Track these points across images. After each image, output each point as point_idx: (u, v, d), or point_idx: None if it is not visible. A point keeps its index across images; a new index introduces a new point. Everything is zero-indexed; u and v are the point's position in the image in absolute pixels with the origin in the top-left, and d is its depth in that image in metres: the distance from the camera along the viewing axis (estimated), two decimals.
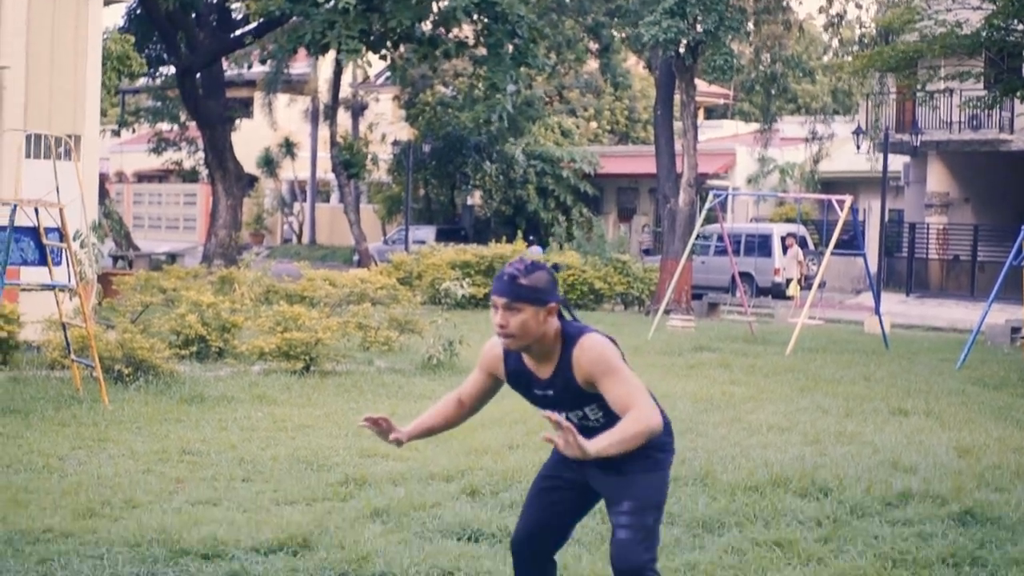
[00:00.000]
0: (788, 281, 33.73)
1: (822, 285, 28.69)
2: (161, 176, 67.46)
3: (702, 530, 8.75)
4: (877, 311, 26.39)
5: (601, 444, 5.27)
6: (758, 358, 20.75)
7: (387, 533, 8.41)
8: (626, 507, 5.54)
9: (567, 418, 5.53)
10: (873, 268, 32.30)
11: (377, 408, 13.99)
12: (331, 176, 53.09)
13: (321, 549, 7.94)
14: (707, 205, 26.14)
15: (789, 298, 32.47)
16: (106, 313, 20.52)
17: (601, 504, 5.82)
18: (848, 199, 24.43)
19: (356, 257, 45.55)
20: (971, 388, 17.34)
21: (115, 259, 33.75)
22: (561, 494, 5.79)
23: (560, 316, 5.54)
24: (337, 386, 15.54)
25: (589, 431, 5.51)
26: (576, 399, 5.51)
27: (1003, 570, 7.82)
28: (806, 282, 32.91)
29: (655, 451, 5.61)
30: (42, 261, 14.75)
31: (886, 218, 38.53)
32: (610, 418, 5.48)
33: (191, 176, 56.30)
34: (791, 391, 16.48)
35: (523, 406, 13.12)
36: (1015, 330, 25.47)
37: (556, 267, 5.62)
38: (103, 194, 34.83)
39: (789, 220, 43.43)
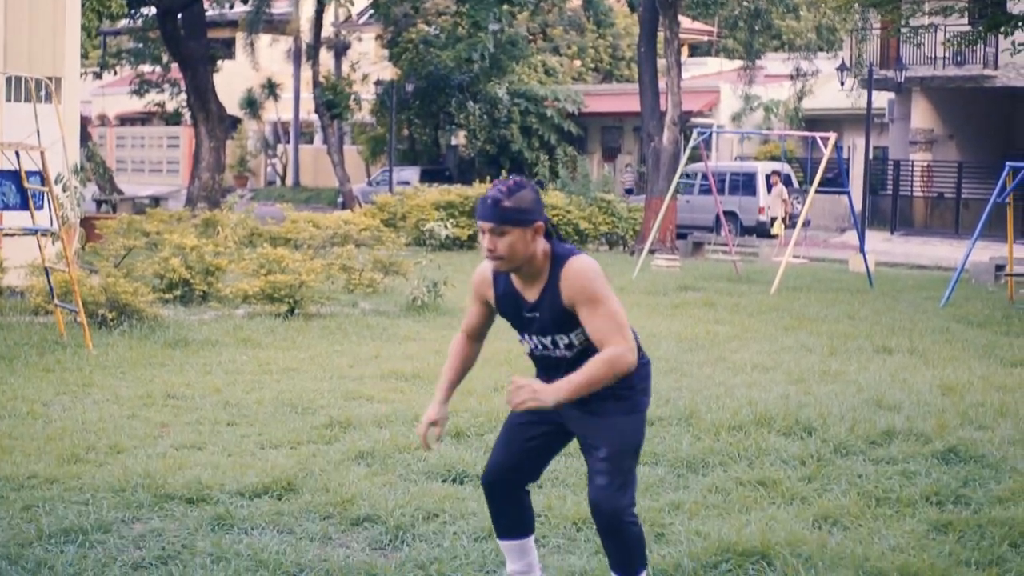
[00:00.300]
0: (773, 220, 33.76)
1: (806, 223, 28.74)
2: (144, 119, 67.16)
3: (686, 470, 8.77)
4: (862, 249, 26.39)
5: (562, 392, 5.29)
6: (742, 297, 20.77)
7: (372, 475, 8.42)
8: (603, 452, 5.53)
9: (552, 343, 5.53)
10: (857, 206, 32.31)
11: (362, 350, 14.00)
12: (314, 117, 52.94)
13: (306, 492, 7.94)
14: (691, 143, 26.09)
15: (774, 237, 32.53)
16: (89, 257, 20.47)
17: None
18: (832, 136, 24.39)
19: (340, 199, 45.45)
20: (955, 326, 17.37)
21: (98, 203, 33.64)
22: (536, 431, 5.76)
23: (548, 236, 5.52)
24: (322, 329, 15.53)
25: (571, 362, 5.51)
26: (561, 323, 5.47)
27: (987, 508, 7.84)
28: (790, 220, 32.93)
29: (633, 393, 5.59)
30: (23, 205, 14.67)
31: (870, 156, 38.54)
32: (594, 347, 5.46)
33: (174, 119, 55.99)
34: (775, 330, 16.51)
35: (508, 347, 13.12)
36: (999, 268, 25.49)
37: (540, 183, 5.58)
38: (85, 137, 34.69)
39: (773, 158, 43.38)
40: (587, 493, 5.62)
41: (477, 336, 5.90)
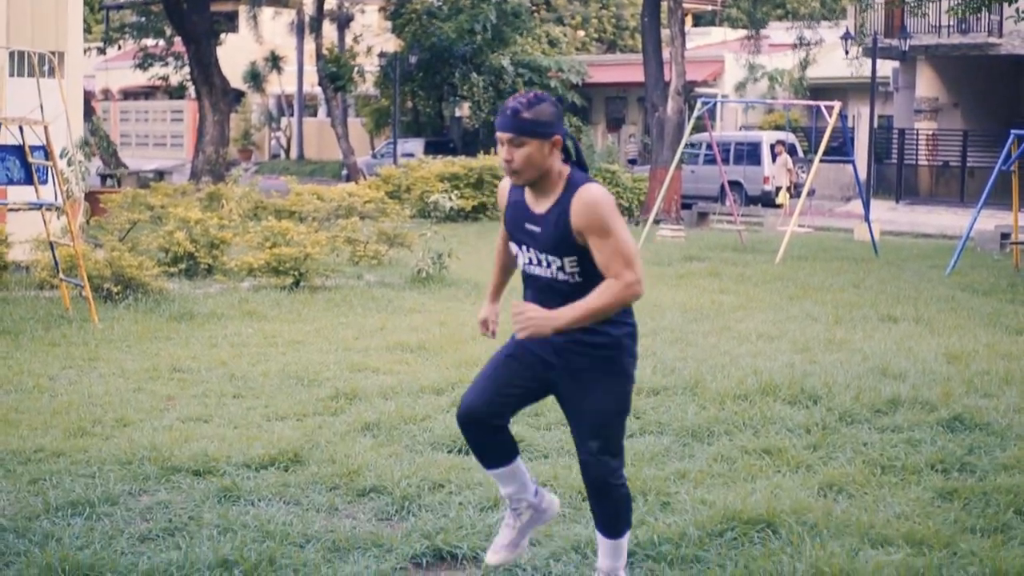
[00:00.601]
0: (777, 189, 33.68)
1: (811, 193, 28.67)
2: (148, 93, 67.06)
3: (691, 439, 8.78)
4: (866, 218, 26.38)
5: (563, 320, 5.28)
6: (747, 267, 20.76)
7: (378, 447, 8.44)
8: (591, 418, 5.54)
9: (543, 261, 5.49)
10: (862, 175, 32.25)
11: (367, 322, 14.01)
12: (318, 90, 52.86)
13: (312, 463, 7.96)
14: (695, 113, 26.03)
15: (778, 206, 32.45)
16: (94, 232, 20.48)
17: None
18: (836, 105, 24.33)
19: (344, 171, 45.41)
20: (960, 294, 17.36)
21: (103, 177, 33.61)
22: (518, 384, 5.69)
23: (567, 159, 5.51)
24: (327, 301, 15.54)
25: (557, 292, 5.48)
26: (560, 244, 5.41)
27: (992, 475, 7.85)
28: (795, 190, 32.87)
29: (622, 356, 5.56)
30: (28, 180, 14.67)
31: (875, 124, 38.40)
32: (585, 278, 5.43)
33: (178, 92, 55.87)
34: (780, 299, 16.51)
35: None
36: (1004, 236, 25.47)
37: (560, 100, 5.56)
38: (89, 112, 34.62)
39: (778, 127, 43.28)
40: (578, 458, 5.63)
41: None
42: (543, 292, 5.55)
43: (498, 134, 5.44)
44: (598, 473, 5.53)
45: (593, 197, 5.35)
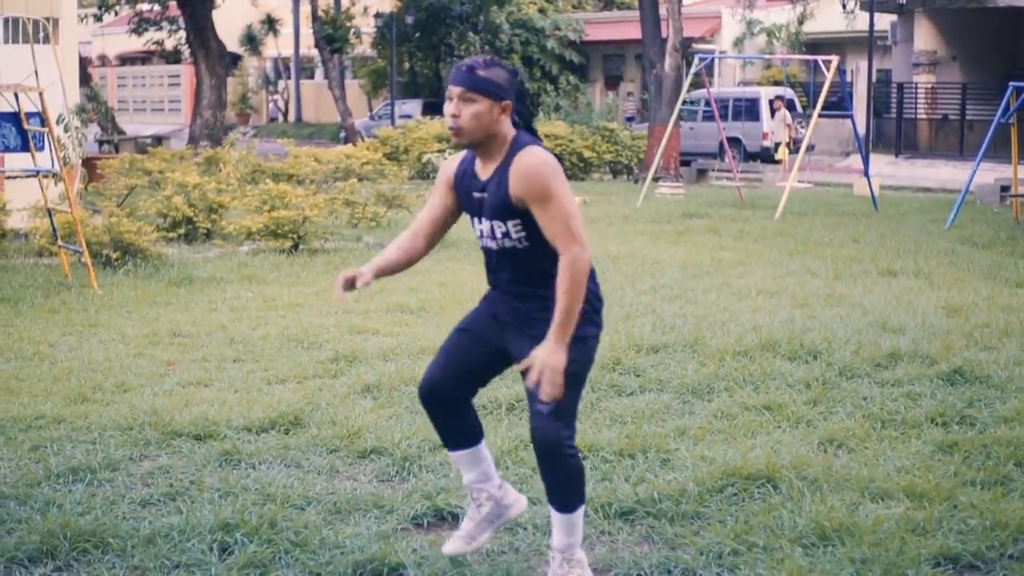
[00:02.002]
0: (776, 145, 33.62)
1: (810, 148, 28.64)
2: (144, 58, 66.88)
3: (692, 396, 8.79)
4: (866, 173, 26.36)
5: (560, 340, 5.14)
6: (747, 223, 20.75)
7: (378, 408, 8.44)
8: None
9: (491, 229, 5.38)
10: (861, 130, 32.17)
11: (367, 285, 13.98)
12: (315, 52, 52.69)
13: (312, 426, 7.97)
14: (693, 70, 25.97)
15: (777, 162, 32.44)
16: (92, 198, 20.45)
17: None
18: (834, 60, 24.27)
19: (342, 133, 45.32)
20: (960, 248, 17.36)
21: (101, 143, 33.55)
22: (476, 352, 5.59)
23: (515, 124, 5.40)
24: (326, 264, 15.53)
25: (511, 257, 5.37)
26: (501, 209, 5.30)
27: (992, 428, 7.86)
28: (794, 145, 32.82)
29: (580, 321, 5.28)
30: (24, 147, 14.64)
31: (873, 78, 38.28)
32: (534, 243, 5.29)
33: (174, 57, 55.76)
34: (780, 255, 16.50)
35: None
36: (1004, 189, 25.45)
37: (515, 73, 5.48)
38: (86, 78, 34.55)
39: (776, 83, 43.17)
40: (529, 423, 5.43)
41: (425, 234, 5.66)
42: (497, 260, 5.45)
43: (449, 88, 5.32)
44: (548, 439, 5.29)
45: (530, 162, 5.22)
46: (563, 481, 5.38)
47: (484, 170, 5.39)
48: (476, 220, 5.45)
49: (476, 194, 5.41)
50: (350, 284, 5.55)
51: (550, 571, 5.56)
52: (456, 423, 5.66)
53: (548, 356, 5.13)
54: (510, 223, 5.30)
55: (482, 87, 5.26)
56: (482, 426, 5.77)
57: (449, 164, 5.63)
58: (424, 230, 5.65)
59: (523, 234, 5.30)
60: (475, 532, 5.77)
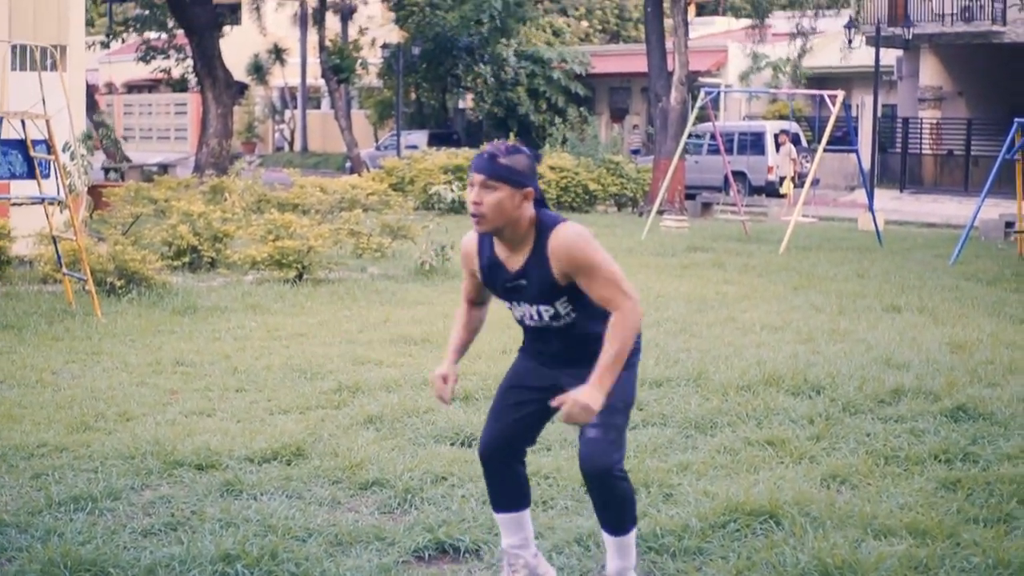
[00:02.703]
0: (782, 179, 33.64)
1: (815, 182, 28.65)
2: (151, 86, 67.05)
3: (694, 430, 8.77)
4: (871, 208, 26.34)
5: (605, 385, 5.25)
6: (752, 257, 20.75)
7: (381, 440, 8.43)
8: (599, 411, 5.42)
9: (537, 313, 5.50)
10: (866, 164, 32.21)
11: (370, 315, 14.01)
12: (321, 82, 52.78)
13: (315, 457, 7.95)
14: (699, 103, 26.00)
15: (782, 196, 32.43)
16: (97, 225, 20.47)
17: None
18: (840, 94, 24.30)
19: (348, 163, 45.39)
20: (964, 283, 17.35)
21: (106, 171, 33.61)
22: (528, 402, 5.70)
23: (537, 206, 5.47)
24: (330, 294, 15.53)
25: (556, 333, 5.52)
26: (547, 293, 5.42)
27: (995, 465, 7.84)
28: (799, 180, 32.82)
29: (629, 353, 5.48)
30: (30, 174, 14.67)
31: (879, 113, 38.37)
32: (581, 312, 5.44)
33: (181, 85, 55.93)
34: (785, 290, 16.49)
35: None
36: (1009, 225, 25.43)
37: (537, 156, 5.53)
38: (93, 105, 34.61)
39: (782, 117, 43.22)
40: (578, 450, 5.54)
41: (478, 302, 5.86)
42: (543, 335, 5.59)
43: (471, 175, 5.40)
44: (601, 466, 5.42)
45: (568, 238, 5.35)
46: (616, 504, 5.54)
47: (512, 259, 5.49)
48: (515, 304, 5.57)
49: (509, 284, 5.51)
50: (447, 386, 5.74)
51: None
52: (510, 483, 5.78)
53: (584, 396, 5.23)
54: (558, 303, 5.46)
55: (503, 175, 5.34)
56: (530, 493, 5.87)
57: (467, 248, 5.69)
58: (474, 298, 5.85)
59: (570, 308, 5.46)
60: None
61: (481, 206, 5.35)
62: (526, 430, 5.76)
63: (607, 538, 5.66)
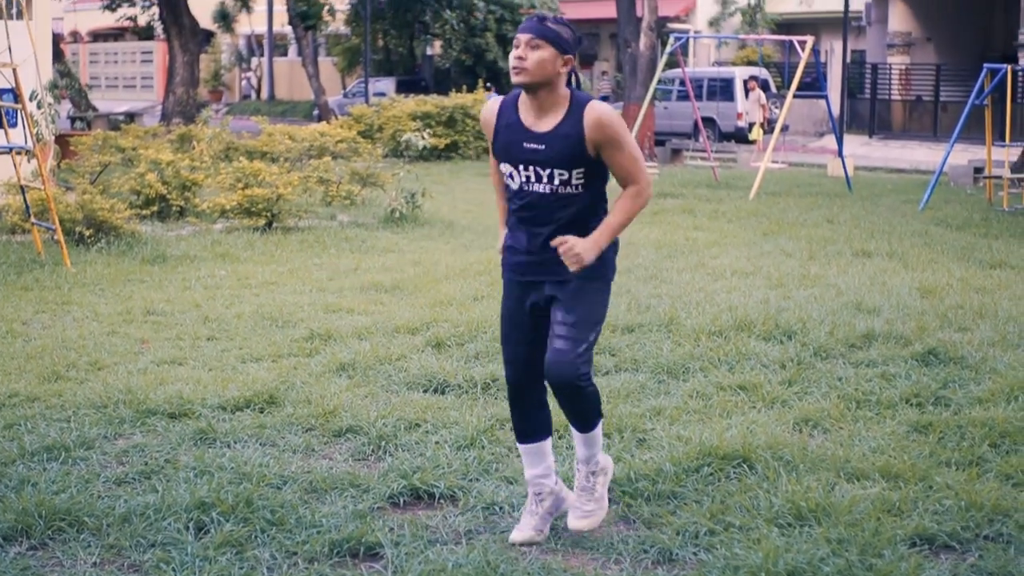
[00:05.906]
0: (751, 125, 33.63)
1: (785, 128, 28.64)
2: (116, 34, 66.53)
3: (667, 376, 8.79)
4: (840, 153, 26.38)
5: (602, 239, 5.60)
6: (721, 203, 20.78)
7: (353, 387, 8.43)
8: (569, 318, 5.66)
9: (550, 176, 5.66)
10: (835, 110, 32.21)
11: (341, 262, 13.98)
12: (288, 29, 52.49)
13: (288, 405, 7.95)
14: (668, 49, 25.95)
15: (752, 142, 32.42)
16: (65, 175, 20.35)
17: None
18: (809, 40, 24.28)
19: (316, 111, 45.18)
20: (934, 229, 17.41)
21: (73, 120, 33.36)
22: (531, 320, 5.85)
23: (570, 81, 5.73)
24: (300, 242, 15.49)
25: (558, 204, 5.69)
26: (570, 158, 5.62)
27: (966, 409, 7.89)
28: (769, 126, 32.84)
29: (605, 266, 5.76)
30: None
31: (848, 59, 38.34)
32: (587, 190, 5.70)
33: (147, 33, 55.45)
34: (755, 235, 16.52)
35: (487, 257, 13.12)
36: (978, 170, 25.52)
37: (580, 39, 5.77)
38: (59, 55, 34.32)
39: (751, 63, 43.17)
40: (546, 357, 5.70)
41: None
42: (541, 209, 5.73)
43: (517, 36, 5.66)
44: (567, 376, 5.61)
45: (607, 113, 5.64)
46: (583, 408, 5.79)
47: (539, 122, 5.71)
48: (522, 168, 5.73)
49: (529, 144, 5.69)
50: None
51: (576, 486, 5.94)
52: (537, 411, 5.96)
53: (580, 245, 5.55)
54: (575, 171, 5.68)
55: (550, 36, 5.64)
56: (552, 422, 6.03)
57: (488, 114, 5.91)
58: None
59: (582, 180, 5.69)
60: (540, 525, 5.96)
61: (525, 60, 5.61)
62: (541, 343, 5.84)
63: (576, 434, 5.90)
